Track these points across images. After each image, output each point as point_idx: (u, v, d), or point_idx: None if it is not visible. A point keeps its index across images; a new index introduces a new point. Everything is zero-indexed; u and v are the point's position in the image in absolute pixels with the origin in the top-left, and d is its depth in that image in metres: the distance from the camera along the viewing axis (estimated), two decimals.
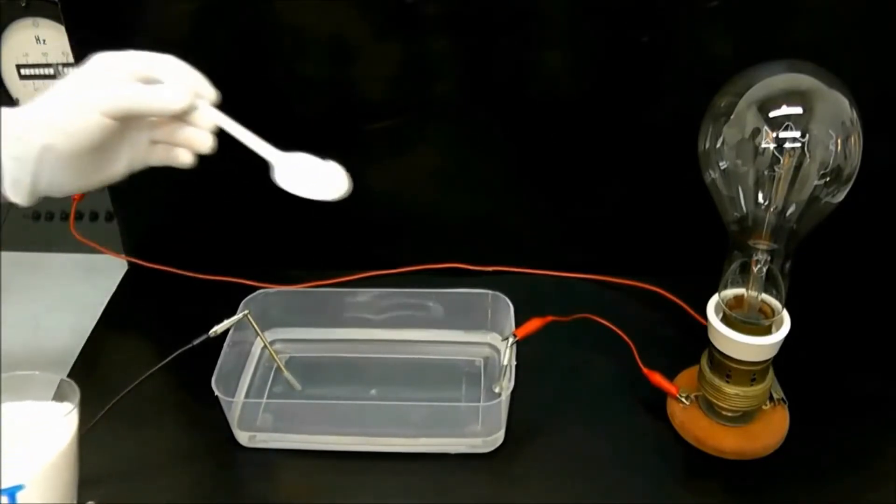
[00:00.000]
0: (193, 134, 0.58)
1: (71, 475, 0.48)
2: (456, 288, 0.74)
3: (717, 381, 0.62)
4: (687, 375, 0.68)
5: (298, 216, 0.81)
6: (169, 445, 0.65)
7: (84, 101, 0.55)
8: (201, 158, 0.64)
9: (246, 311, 0.67)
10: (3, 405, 0.49)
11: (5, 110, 0.56)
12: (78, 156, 0.55)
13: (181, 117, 0.57)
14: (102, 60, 0.57)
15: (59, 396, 0.50)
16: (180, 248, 0.84)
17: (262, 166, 0.58)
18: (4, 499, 0.44)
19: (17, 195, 0.56)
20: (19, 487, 0.44)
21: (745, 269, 0.61)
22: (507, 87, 0.75)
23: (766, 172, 0.57)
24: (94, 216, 0.90)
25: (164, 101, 0.56)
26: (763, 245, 0.59)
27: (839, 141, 0.56)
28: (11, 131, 0.54)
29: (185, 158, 0.59)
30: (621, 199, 0.80)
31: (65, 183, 0.57)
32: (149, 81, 0.56)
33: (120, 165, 0.59)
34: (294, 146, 0.58)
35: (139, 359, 0.70)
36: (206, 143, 0.58)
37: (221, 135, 0.59)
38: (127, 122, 0.56)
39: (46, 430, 0.47)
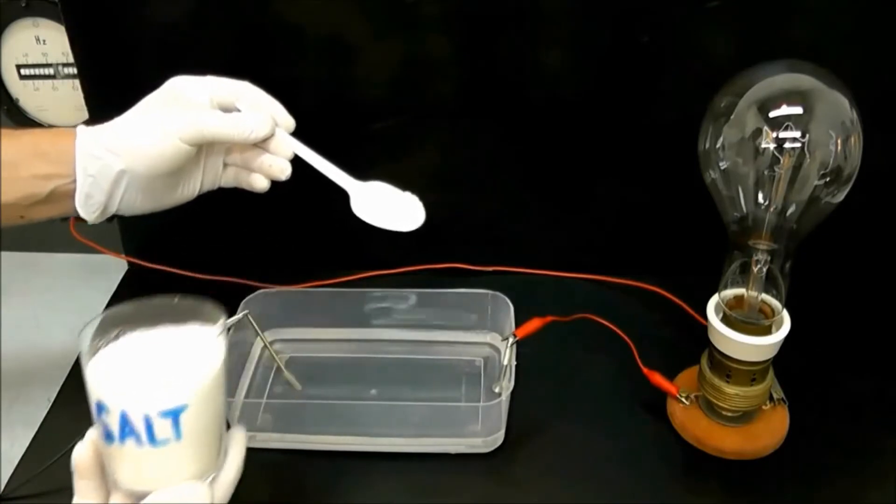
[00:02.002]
0: (272, 161, 0.59)
1: (224, 394, 0.49)
2: (456, 288, 0.74)
3: (717, 381, 0.62)
4: (687, 375, 0.68)
5: (299, 216, 0.81)
6: None
7: (165, 128, 0.55)
8: None
9: (246, 311, 0.67)
10: (161, 329, 0.50)
11: (82, 128, 0.56)
12: (153, 180, 0.56)
13: (259, 144, 0.58)
14: (180, 84, 0.57)
15: (207, 319, 0.50)
16: (180, 248, 0.84)
17: None
18: (168, 420, 0.45)
19: (87, 211, 0.56)
20: (183, 408, 0.45)
21: (745, 269, 0.61)
22: (507, 87, 0.75)
23: (766, 172, 0.57)
24: None
25: (245, 129, 0.56)
26: (763, 245, 0.59)
27: (839, 141, 0.56)
28: (89, 149, 0.55)
29: (260, 184, 0.60)
30: (621, 199, 0.80)
31: (137, 204, 0.57)
32: (226, 107, 0.57)
33: (193, 187, 0.60)
34: None
35: None
36: (285, 172, 0.59)
37: None
38: (205, 149, 0.57)
39: (203, 352, 0.48)
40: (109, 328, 0.48)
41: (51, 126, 0.85)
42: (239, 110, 0.58)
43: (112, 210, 0.57)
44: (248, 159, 0.59)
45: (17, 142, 0.56)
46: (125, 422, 0.44)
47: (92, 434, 0.46)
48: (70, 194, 0.56)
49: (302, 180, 0.61)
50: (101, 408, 0.44)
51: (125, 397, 0.44)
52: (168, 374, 0.46)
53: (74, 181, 0.55)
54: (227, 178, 0.61)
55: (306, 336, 0.75)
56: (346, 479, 0.62)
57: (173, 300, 0.50)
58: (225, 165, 0.60)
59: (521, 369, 0.65)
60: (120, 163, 0.55)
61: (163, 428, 0.44)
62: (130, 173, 0.55)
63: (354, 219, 0.79)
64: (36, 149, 0.55)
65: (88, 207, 0.56)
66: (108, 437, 0.45)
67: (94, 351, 0.47)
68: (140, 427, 0.44)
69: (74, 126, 0.57)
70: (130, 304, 0.49)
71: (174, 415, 0.45)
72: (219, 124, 0.56)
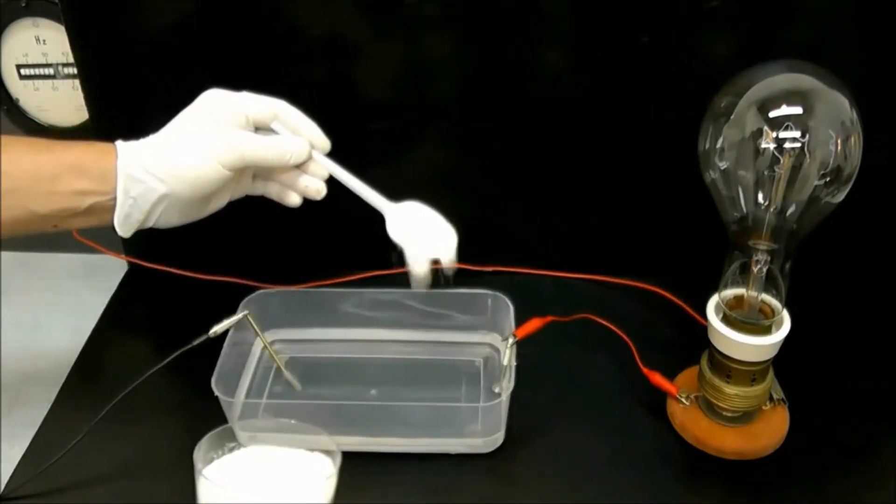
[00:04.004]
0: (308, 182, 0.60)
1: None
2: (456, 288, 0.74)
3: (717, 382, 0.62)
4: (687, 375, 0.68)
5: (299, 216, 0.81)
6: (169, 445, 0.65)
7: (207, 152, 0.56)
8: None
9: (245, 312, 0.67)
10: (275, 449, 0.55)
11: (122, 146, 0.57)
12: (192, 200, 0.57)
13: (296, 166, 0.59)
14: (215, 100, 0.58)
15: (327, 454, 0.54)
16: (180, 248, 0.84)
17: None
18: None
19: (125, 229, 0.58)
20: None
21: (745, 269, 0.61)
22: (507, 87, 0.75)
23: (766, 172, 0.57)
24: None
25: (284, 154, 0.57)
26: (763, 245, 0.59)
27: (839, 141, 0.56)
28: (131, 172, 0.56)
29: (293, 200, 0.61)
30: (621, 199, 0.80)
31: (171, 220, 0.59)
32: (262, 126, 0.58)
33: (223, 201, 0.61)
34: None
35: (139, 359, 0.70)
36: (321, 193, 0.60)
37: None
38: (243, 170, 0.58)
39: (311, 485, 0.51)
40: (226, 440, 0.53)
41: (52, 126, 0.85)
42: (274, 130, 0.58)
43: (147, 226, 0.58)
44: (284, 179, 0.60)
45: (56, 155, 0.56)
46: None
47: None
48: (107, 209, 0.57)
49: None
50: None
51: None
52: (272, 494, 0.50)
53: (113, 199, 0.56)
54: (258, 190, 0.62)
55: (306, 336, 0.75)
56: (346, 479, 0.62)
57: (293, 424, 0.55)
58: (255, 177, 0.61)
59: (521, 369, 0.65)
60: (162, 187, 0.56)
61: None
62: (171, 196, 0.56)
63: (354, 219, 0.79)
64: (77, 165, 0.55)
65: (127, 225, 0.58)
66: None
67: (209, 461, 0.52)
68: None
69: (83, 125, 0.57)
70: (252, 420, 0.54)
71: None
72: (259, 149, 0.57)
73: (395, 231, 0.59)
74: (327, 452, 0.54)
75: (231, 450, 0.54)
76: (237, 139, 0.56)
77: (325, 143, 0.60)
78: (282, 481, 0.52)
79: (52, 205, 0.55)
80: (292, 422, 0.54)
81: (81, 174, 0.55)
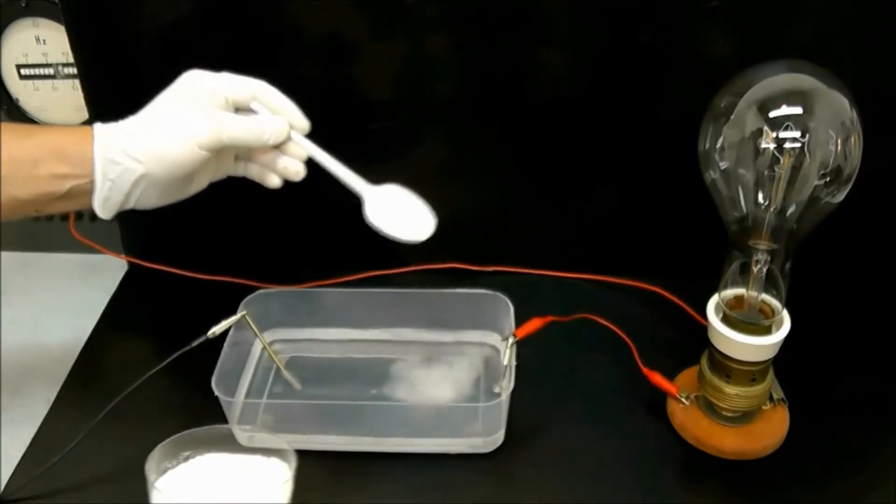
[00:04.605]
0: (287, 163, 0.59)
1: None
2: (456, 288, 0.74)
3: (717, 382, 0.62)
4: (687, 375, 0.68)
5: (299, 216, 0.81)
6: None
7: (184, 133, 0.56)
8: None
9: (244, 312, 0.67)
10: (230, 455, 0.54)
11: (100, 129, 0.57)
12: (170, 181, 0.57)
13: (275, 146, 0.59)
14: (195, 80, 0.58)
15: (282, 457, 0.53)
16: (180, 248, 0.84)
17: None
18: None
19: (104, 211, 0.58)
20: None
21: (745, 269, 0.61)
22: (507, 86, 0.75)
23: (766, 172, 0.57)
24: (94, 216, 0.89)
25: (262, 134, 0.57)
26: (763, 245, 0.59)
27: (839, 141, 0.56)
28: (109, 154, 0.56)
29: (273, 182, 0.61)
30: (621, 199, 0.80)
31: (151, 201, 0.58)
32: (241, 107, 0.58)
33: (204, 181, 0.60)
34: None
35: (139, 359, 0.70)
36: (300, 174, 0.60)
37: None
38: (222, 150, 0.58)
39: (267, 489, 0.51)
40: (180, 449, 0.52)
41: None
42: (253, 110, 0.58)
43: (127, 207, 0.58)
44: (264, 160, 0.60)
45: (36, 140, 0.56)
46: None
47: None
48: (86, 192, 0.57)
49: (302, 181, 0.61)
50: None
51: None
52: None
53: (92, 182, 0.56)
54: (239, 171, 0.62)
55: (306, 336, 0.75)
56: (346, 479, 0.62)
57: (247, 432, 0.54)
58: (236, 158, 0.61)
59: (521, 369, 0.65)
60: (140, 168, 0.56)
61: None
62: (149, 177, 0.56)
63: (354, 218, 0.79)
64: (56, 149, 0.56)
65: (106, 208, 0.58)
66: None
67: (162, 471, 0.51)
68: None
69: (82, 124, 0.57)
70: (205, 428, 0.53)
71: None
72: (237, 130, 0.57)
73: (372, 214, 0.59)
74: (283, 456, 0.53)
75: (186, 459, 0.53)
76: (215, 120, 0.56)
77: (303, 123, 0.60)
78: (237, 489, 0.52)
79: (33, 189, 0.56)
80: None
81: (61, 158, 0.55)
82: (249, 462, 0.53)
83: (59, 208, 0.58)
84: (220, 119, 0.56)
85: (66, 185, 0.56)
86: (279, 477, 0.51)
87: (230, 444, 0.54)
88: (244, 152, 0.60)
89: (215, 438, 0.53)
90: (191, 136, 0.55)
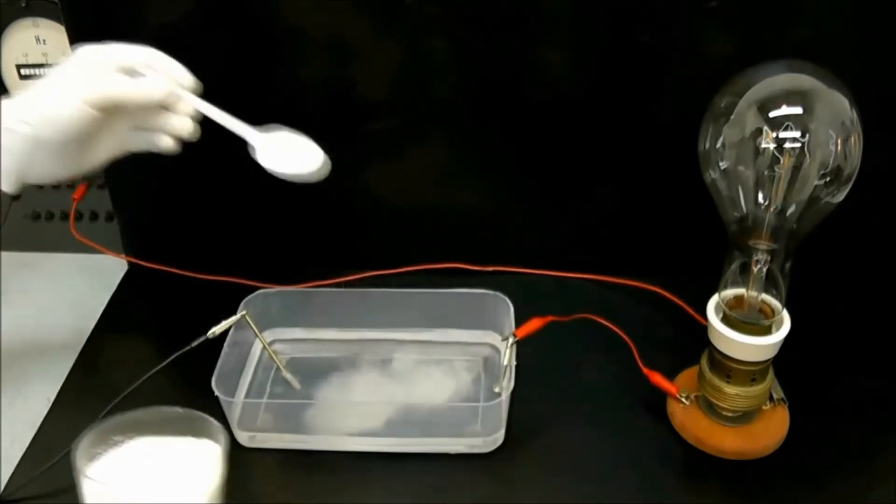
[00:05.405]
0: (174, 120, 0.60)
1: None
2: (456, 288, 0.74)
3: (717, 381, 0.62)
4: (687, 375, 0.68)
5: (299, 216, 0.81)
6: None
7: (70, 93, 0.57)
8: (202, 160, 0.64)
9: (244, 312, 0.67)
10: (167, 439, 0.53)
11: (5, 102, 0.57)
12: (63, 145, 0.57)
13: (163, 105, 0.59)
14: (86, 53, 0.59)
15: (209, 435, 0.53)
16: (180, 248, 0.84)
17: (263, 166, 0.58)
18: None
19: (6, 184, 0.58)
20: None
21: (745, 269, 0.61)
22: (507, 87, 0.75)
23: (766, 172, 0.57)
24: (94, 216, 0.90)
25: (146, 90, 0.58)
26: (763, 245, 0.59)
27: (839, 141, 0.56)
28: (7, 125, 0.57)
29: (166, 143, 0.61)
30: (621, 199, 0.80)
31: (51, 172, 0.59)
32: (130, 73, 0.58)
33: (103, 152, 0.61)
34: None
35: (139, 359, 0.70)
36: (187, 128, 0.60)
37: (219, 134, 0.59)
38: (111, 112, 0.58)
39: (205, 467, 0.51)
40: (110, 434, 0.51)
41: None
42: (143, 75, 0.59)
43: (29, 179, 0.59)
44: (154, 120, 0.60)
45: None
46: None
47: None
48: None
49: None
50: None
51: None
52: (173, 486, 0.49)
53: None
54: (137, 142, 0.62)
55: (306, 336, 0.75)
56: (346, 479, 0.62)
57: (179, 411, 0.53)
58: (137, 130, 0.61)
59: (521, 369, 0.65)
60: (29, 129, 0.56)
61: None
62: (40, 140, 0.57)
63: (354, 218, 0.79)
64: None
65: (9, 182, 0.58)
66: None
67: (92, 457, 0.50)
68: None
69: None
70: (134, 412, 0.52)
71: None
72: (121, 87, 0.57)
73: (264, 158, 0.60)
74: (214, 437, 0.52)
75: (116, 444, 0.52)
76: (102, 80, 0.57)
77: (189, 80, 0.60)
78: (169, 471, 0.52)
79: None
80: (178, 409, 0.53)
81: None
82: (181, 444, 0.53)
83: None
84: (108, 77, 0.58)
85: None
86: (211, 457, 0.51)
87: (161, 427, 0.53)
88: (138, 119, 0.60)
89: (145, 422, 0.53)
90: (77, 93, 0.56)
